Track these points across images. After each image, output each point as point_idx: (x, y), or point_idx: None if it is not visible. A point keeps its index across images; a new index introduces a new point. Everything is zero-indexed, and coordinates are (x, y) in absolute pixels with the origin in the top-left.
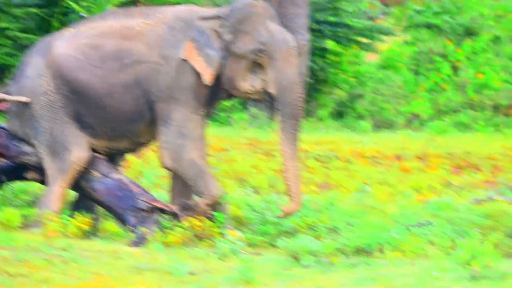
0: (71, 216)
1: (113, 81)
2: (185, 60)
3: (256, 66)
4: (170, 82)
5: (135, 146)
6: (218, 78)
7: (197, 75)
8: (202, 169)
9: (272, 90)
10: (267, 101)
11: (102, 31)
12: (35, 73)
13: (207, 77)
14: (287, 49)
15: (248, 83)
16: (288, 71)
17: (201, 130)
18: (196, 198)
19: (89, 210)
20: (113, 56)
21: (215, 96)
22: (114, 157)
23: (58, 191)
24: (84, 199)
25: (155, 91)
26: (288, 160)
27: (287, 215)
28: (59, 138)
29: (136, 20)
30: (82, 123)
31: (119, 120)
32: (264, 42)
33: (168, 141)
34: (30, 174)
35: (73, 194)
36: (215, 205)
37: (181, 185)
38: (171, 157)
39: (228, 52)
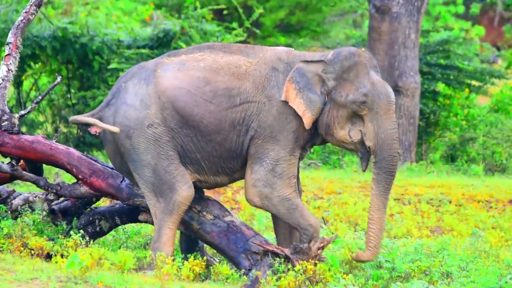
0: (185, 258)
1: (223, 117)
2: (285, 102)
3: (355, 116)
4: (272, 122)
5: (231, 182)
6: (315, 123)
7: (299, 117)
8: (295, 202)
9: (369, 143)
10: (362, 153)
11: (210, 66)
12: (139, 102)
13: (306, 120)
14: (388, 103)
15: (346, 132)
16: (388, 125)
17: (294, 170)
18: (307, 241)
19: (197, 251)
20: (224, 93)
21: (312, 140)
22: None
23: (168, 233)
24: (191, 239)
25: (256, 128)
26: (375, 211)
27: (357, 260)
28: (164, 175)
29: (239, 58)
30: (187, 159)
31: (222, 156)
32: (366, 94)
33: (259, 179)
34: (142, 216)
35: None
36: (326, 246)
37: (286, 229)
38: (260, 194)
39: (328, 98)
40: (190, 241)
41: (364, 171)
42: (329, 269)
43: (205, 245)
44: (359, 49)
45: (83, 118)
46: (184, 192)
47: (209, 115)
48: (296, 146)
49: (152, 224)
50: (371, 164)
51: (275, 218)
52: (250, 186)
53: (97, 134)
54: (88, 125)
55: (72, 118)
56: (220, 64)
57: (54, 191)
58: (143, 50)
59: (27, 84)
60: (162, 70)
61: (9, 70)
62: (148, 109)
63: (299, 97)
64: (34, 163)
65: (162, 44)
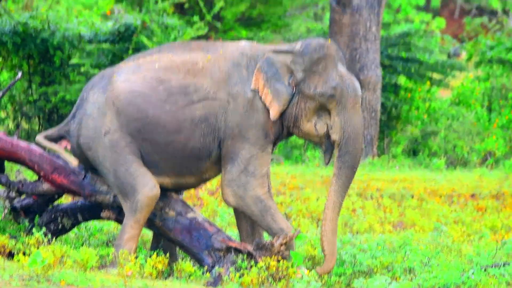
0: (148, 256)
1: (180, 116)
2: (254, 96)
3: (322, 109)
4: (239, 120)
5: (199, 183)
6: (282, 115)
7: (266, 112)
8: (268, 204)
9: (335, 136)
10: (326, 146)
11: (165, 65)
12: (96, 110)
13: (273, 111)
14: (356, 97)
15: (312, 125)
16: (354, 120)
17: (266, 168)
18: (270, 237)
19: (169, 249)
20: (179, 91)
21: (280, 134)
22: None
23: (129, 231)
24: (162, 238)
25: (224, 129)
26: (330, 210)
27: (323, 274)
28: (125, 179)
29: (198, 55)
30: (147, 163)
31: (186, 156)
32: (335, 87)
33: (233, 179)
34: (105, 213)
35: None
36: (290, 244)
37: (249, 225)
38: (235, 194)
39: (296, 89)
40: (160, 241)
41: (327, 164)
42: (292, 266)
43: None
44: (327, 41)
45: (47, 143)
46: (147, 192)
47: (166, 115)
48: (267, 142)
49: (115, 221)
50: (333, 159)
51: (238, 214)
52: (224, 187)
53: (67, 147)
54: (56, 140)
55: (38, 139)
56: (175, 62)
57: (16, 188)
58: (104, 45)
59: None
60: (117, 75)
61: None
62: (104, 117)
63: (266, 87)
64: None
65: (123, 38)
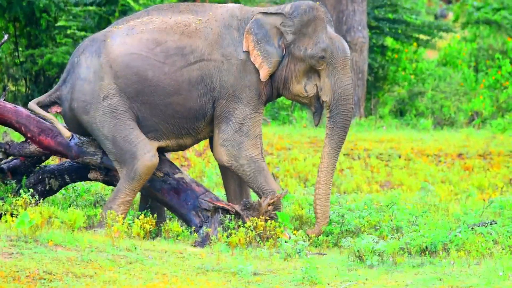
0: (136, 216)
1: (179, 77)
2: (246, 58)
3: (312, 70)
4: (233, 81)
5: (195, 143)
6: (272, 77)
7: (258, 73)
8: (261, 166)
9: (325, 97)
10: (316, 108)
11: (159, 27)
12: (92, 74)
13: (263, 73)
14: (345, 58)
15: (301, 86)
16: (344, 80)
17: (259, 128)
18: (257, 197)
19: (157, 210)
20: (176, 52)
21: (271, 95)
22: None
23: (123, 198)
24: (150, 199)
25: (219, 89)
26: (324, 173)
27: (314, 236)
28: (124, 145)
29: (188, 16)
30: (146, 127)
31: (184, 117)
32: (325, 49)
33: (227, 139)
34: (92, 174)
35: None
36: (278, 204)
37: (236, 185)
38: (229, 153)
39: (286, 51)
40: (148, 201)
41: (316, 125)
42: (279, 225)
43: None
44: (316, 3)
45: (40, 111)
46: (147, 161)
47: (165, 77)
48: (260, 103)
49: (102, 182)
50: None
51: (225, 174)
52: (218, 146)
53: (58, 112)
54: (48, 106)
55: (30, 106)
56: (169, 24)
57: (3, 150)
58: (90, 8)
59: None
60: (111, 38)
61: None
62: (101, 81)
63: (256, 49)
64: None
65: (110, 1)
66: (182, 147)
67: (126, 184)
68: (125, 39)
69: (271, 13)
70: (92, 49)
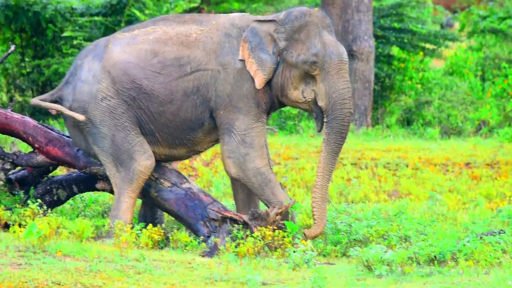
0: (143, 226)
1: (173, 87)
2: (243, 66)
3: (308, 76)
4: (230, 90)
5: (191, 154)
6: (269, 84)
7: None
8: (268, 177)
9: (321, 103)
10: (316, 113)
11: (159, 38)
12: (91, 77)
13: (258, 81)
14: (340, 63)
15: (299, 92)
16: (339, 85)
17: (263, 138)
18: (265, 207)
19: (156, 220)
20: (172, 63)
21: (273, 104)
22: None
23: (127, 201)
24: (150, 208)
25: (215, 99)
26: (320, 177)
27: (310, 238)
28: (122, 145)
29: (191, 27)
30: (142, 130)
31: (178, 127)
32: (316, 54)
33: (232, 150)
34: (100, 184)
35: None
36: (285, 214)
37: (245, 195)
38: (235, 165)
39: (281, 58)
40: (149, 211)
41: (319, 131)
42: (288, 235)
43: (163, 216)
44: (311, 9)
45: (46, 103)
46: (144, 161)
47: (159, 86)
48: (260, 112)
49: (110, 192)
50: None
51: (234, 183)
52: (225, 158)
53: (58, 113)
54: None
55: (34, 102)
56: (169, 34)
57: (11, 160)
58: (96, 18)
59: None
60: (112, 45)
61: None
62: (100, 83)
63: (251, 57)
64: None
65: (116, 11)
66: (176, 157)
67: (126, 187)
68: (125, 48)
69: (265, 21)
70: (94, 54)
